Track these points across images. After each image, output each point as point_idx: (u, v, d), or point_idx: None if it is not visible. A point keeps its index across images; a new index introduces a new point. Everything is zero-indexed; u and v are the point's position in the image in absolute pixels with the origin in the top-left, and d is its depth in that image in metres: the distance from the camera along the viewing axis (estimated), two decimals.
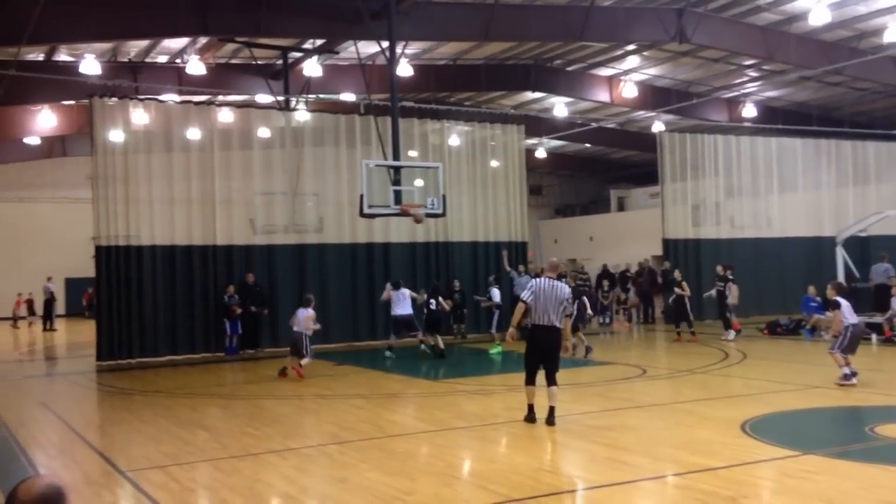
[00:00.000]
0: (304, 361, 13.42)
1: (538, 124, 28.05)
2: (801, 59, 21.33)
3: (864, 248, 22.39)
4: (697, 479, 6.88)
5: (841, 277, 18.91)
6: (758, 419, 9.25)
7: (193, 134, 18.20)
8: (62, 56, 20.74)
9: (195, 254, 17.72)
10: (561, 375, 9.43)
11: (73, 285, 32.71)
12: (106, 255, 16.89)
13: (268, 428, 9.68)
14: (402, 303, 16.16)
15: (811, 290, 18.16)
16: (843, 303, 11.60)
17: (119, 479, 7.55)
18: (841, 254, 19.92)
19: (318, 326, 13.79)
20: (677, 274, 19.23)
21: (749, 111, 26.67)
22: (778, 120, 26.12)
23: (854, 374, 11.27)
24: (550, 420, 9.05)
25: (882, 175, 25.76)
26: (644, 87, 25.60)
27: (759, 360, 14.84)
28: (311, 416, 10.56)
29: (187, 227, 17.74)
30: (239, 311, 17.48)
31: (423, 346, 16.46)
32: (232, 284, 17.74)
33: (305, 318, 13.49)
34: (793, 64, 21.82)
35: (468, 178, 21.15)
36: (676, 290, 18.47)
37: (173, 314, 17.39)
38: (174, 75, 21.52)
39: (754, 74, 25.08)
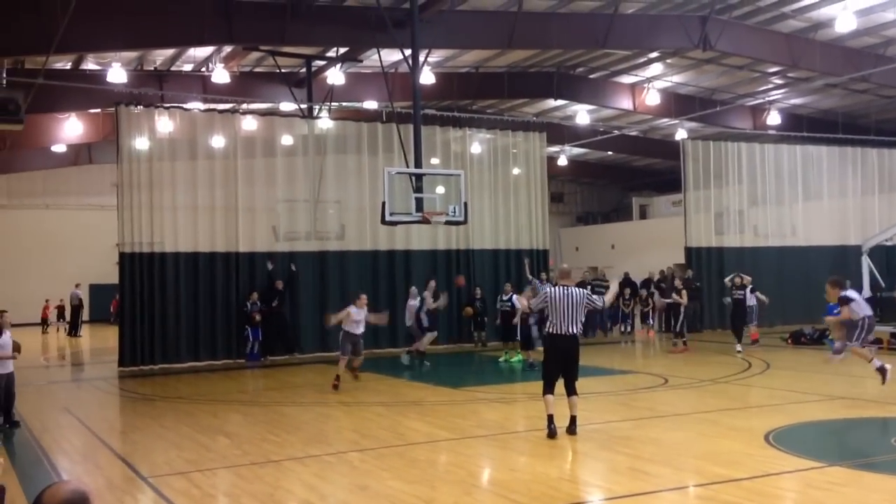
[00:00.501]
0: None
1: (560, 132, 27.98)
2: (827, 67, 21.12)
3: (890, 257, 22.11)
4: (720, 490, 6.81)
5: (867, 287, 18.69)
6: (782, 430, 9.15)
7: (217, 142, 18.37)
8: (89, 65, 21.02)
9: (218, 260, 17.86)
10: (582, 384, 9.38)
11: (97, 291, 33.06)
12: (130, 262, 17.08)
13: (288, 435, 9.71)
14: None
15: None
16: (854, 296, 11.75)
17: (141, 484, 7.61)
18: (867, 263, 19.65)
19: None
20: (677, 283, 19.00)
21: (773, 119, 26.42)
22: (803, 127, 25.85)
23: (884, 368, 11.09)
24: (572, 429, 9.01)
25: None
26: (667, 94, 25.46)
27: (783, 369, 14.68)
28: (331, 423, 10.59)
29: (210, 234, 17.89)
30: (258, 318, 17.53)
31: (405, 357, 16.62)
32: (255, 291, 17.82)
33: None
34: (818, 71, 21.61)
35: (490, 186, 21.15)
36: (674, 296, 18.27)
37: (195, 321, 17.53)
38: (199, 84, 21.72)
39: (779, 82, 24.86)
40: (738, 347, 17.03)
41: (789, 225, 23.99)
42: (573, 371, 9.16)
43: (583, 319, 9.19)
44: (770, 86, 25.30)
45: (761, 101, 26.30)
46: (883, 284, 19.96)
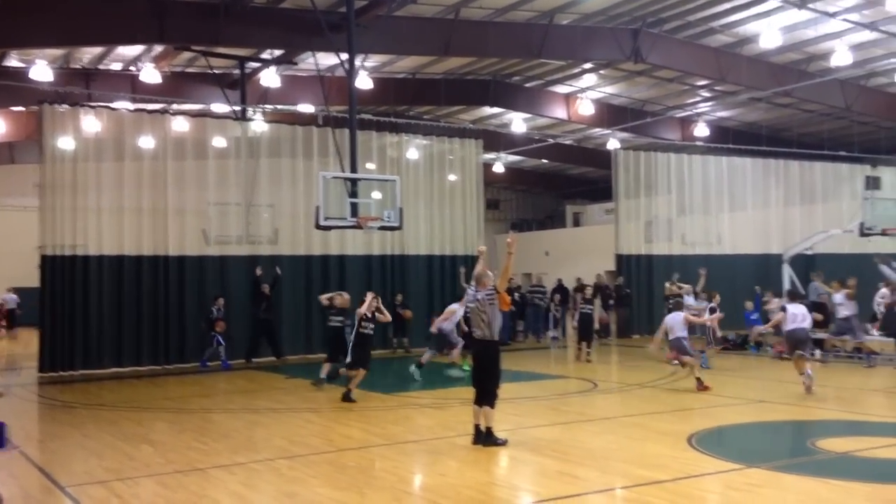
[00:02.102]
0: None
1: (496, 139, 28.23)
2: (752, 81, 21.85)
3: (809, 266, 22.94)
4: (645, 491, 6.96)
5: (812, 293, 19.36)
6: (704, 433, 9.41)
7: (146, 143, 17.94)
8: (12, 61, 20.30)
9: (145, 264, 17.43)
10: (513, 389, 9.46)
11: (23, 295, 31.74)
12: (51, 265, 16.53)
13: (216, 442, 9.52)
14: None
15: (748, 304, 18.48)
16: (789, 310, 12.71)
17: (59, 494, 7.36)
18: (787, 271, 20.36)
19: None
20: (588, 291, 19.04)
21: (701, 130, 27.19)
22: (729, 140, 26.65)
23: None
24: (487, 442, 8.78)
25: (828, 195, 26.52)
26: (600, 104, 25.95)
27: (708, 374, 15.05)
28: (261, 430, 10.42)
29: (137, 236, 17.45)
30: (223, 325, 17.16)
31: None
32: (222, 297, 17.46)
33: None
34: (744, 85, 22.34)
35: (425, 192, 21.20)
36: (586, 307, 17.92)
37: (119, 325, 17.05)
38: (128, 83, 21.18)
39: (707, 95, 25.61)
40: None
41: (715, 234, 24.71)
42: (485, 381, 8.89)
43: (498, 324, 8.98)
44: (698, 98, 26.04)
45: (690, 113, 27.04)
46: (802, 292, 20.67)
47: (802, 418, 10.77)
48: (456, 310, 14.69)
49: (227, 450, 9.07)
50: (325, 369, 13.62)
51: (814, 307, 18.02)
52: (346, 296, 14.11)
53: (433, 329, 15.28)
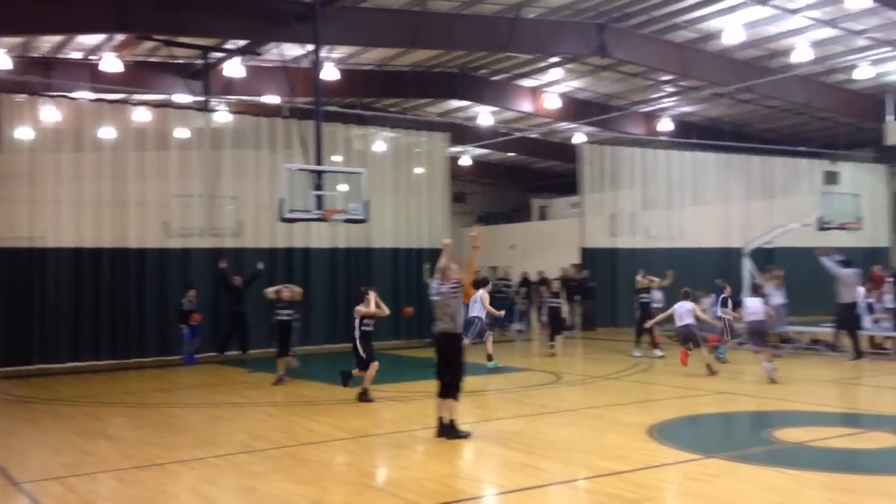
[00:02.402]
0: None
1: (463, 132, 28.22)
2: (715, 77, 22.12)
3: (769, 260, 23.31)
4: (605, 482, 7.03)
5: (747, 287, 19.66)
6: (664, 424, 9.52)
7: (107, 133, 17.62)
8: None
9: (104, 257, 17.15)
10: (477, 382, 9.48)
11: None
12: (8, 257, 16.17)
13: (175, 437, 9.42)
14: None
15: (705, 301, 18.65)
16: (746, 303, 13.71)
17: (13, 491, 7.21)
18: (748, 265, 20.67)
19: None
20: (555, 284, 18.98)
21: (665, 125, 27.46)
22: (692, 135, 26.98)
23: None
24: (450, 434, 8.80)
25: (788, 189, 26.99)
26: (566, 99, 26.06)
27: (669, 366, 15.27)
28: (221, 424, 10.32)
29: (96, 229, 17.15)
30: (199, 317, 16.96)
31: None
32: (193, 289, 17.23)
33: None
34: (707, 81, 22.61)
35: (392, 185, 21.12)
36: (554, 300, 17.86)
37: (77, 319, 16.77)
38: (88, 72, 20.73)
39: (671, 90, 25.84)
40: (637, 353, 16.56)
41: (678, 227, 25.00)
42: (449, 373, 8.91)
43: (462, 317, 8.98)
44: (663, 94, 26.27)
45: (654, 108, 27.28)
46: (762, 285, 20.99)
47: (760, 409, 10.96)
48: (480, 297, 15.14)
49: (186, 445, 8.97)
50: (281, 366, 13.48)
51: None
52: (295, 288, 13.88)
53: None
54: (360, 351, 11.58)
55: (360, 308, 11.66)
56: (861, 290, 16.33)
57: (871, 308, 16.42)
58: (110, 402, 12.37)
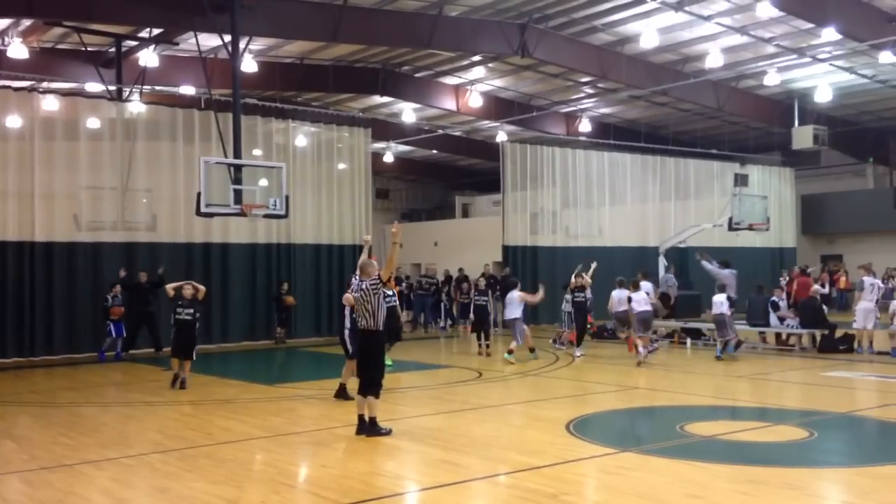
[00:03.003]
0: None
1: (386, 128, 28.13)
2: (632, 79, 22.67)
3: (683, 258, 24.13)
4: (523, 477, 7.11)
5: (662, 285, 20.35)
6: (581, 419, 9.72)
7: (12, 122, 16.85)
8: None
9: (9, 250, 16.42)
10: (398, 379, 9.47)
11: None
12: None
13: (85, 437, 9.08)
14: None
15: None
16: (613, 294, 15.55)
17: None
18: (662, 263, 21.33)
19: None
20: (482, 282, 18.88)
21: (585, 126, 28.00)
22: (610, 136, 27.58)
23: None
24: (371, 432, 8.77)
25: (700, 191, 27.95)
26: (489, 97, 26.28)
27: (586, 362, 15.61)
28: (133, 423, 10.00)
29: (1, 220, 16.42)
30: (120, 311, 16.39)
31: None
32: (118, 284, 16.59)
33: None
34: (624, 83, 23.14)
35: (313, 180, 20.88)
36: (481, 298, 17.30)
37: None
38: None
39: (590, 91, 26.35)
40: (578, 352, 16.22)
41: (597, 226, 25.58)
42: (367, 369, 8.91)
43: (382, 314, 8.93)
44: (582, 95, 26.77)
45: (574, 108, 27.77)
46: (676, 283, 21.71)
47: (672, 404, 11.29)
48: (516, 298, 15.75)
49: (96, 445, 8.66)
50: (175, 366, 12.52)
51: (662, 298, 19.28)
52: (201, 287, 12.76)
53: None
54: (349, 344, 10.90)
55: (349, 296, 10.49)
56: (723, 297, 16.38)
57: (776, 306, 17.11)
58: (16, 401, 11.83)
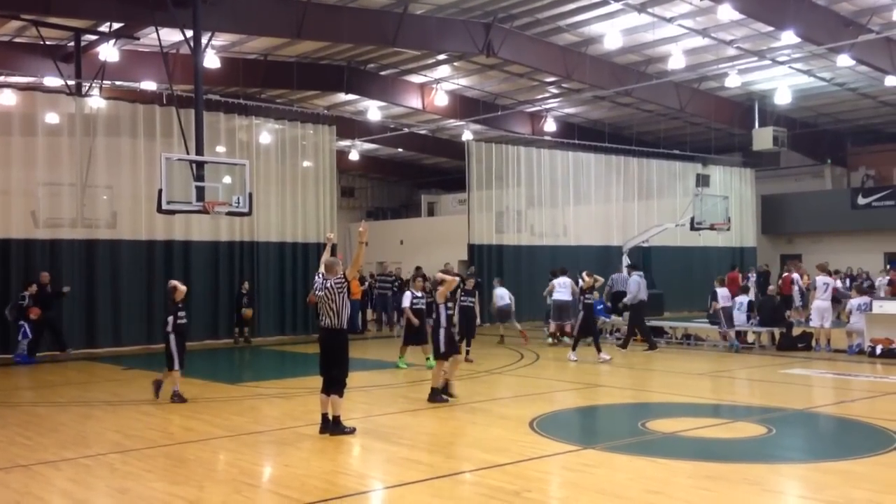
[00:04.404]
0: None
1: (351, 126, 28.03)
2: (596, 80, 22.86)
3: (646, 257, 24.40)
4: (486, 475, 7.14)
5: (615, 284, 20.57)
6: (545, 416, 9.77)
7: None
8: None
9: None
10: (363, 378, 9.42)
11: None
12: None
13: (42, 437, 8.90)
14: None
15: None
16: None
17: None
18: (626, 262, 21.54)
19: None
20: (469, 282, 18.28)
21: (549, 126, 28.17)
22: (575, 135, 27.80)
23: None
24: (334, 431, 8.75)
25: (663, 191, 28.30)
26: (454, 96, 26.31)
27: (551, 360, 15.70)
28: (92, 423, 9.82)
29: None
30: (38, 312, 15.70)
31: None
32: (34, 283, 16.04)
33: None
34: (588, 83, 23.33)
35: (277, 177, 20.72)
36: (467, 299, 15.58)
37: None
38: None
39: (555, 91, 26.53)
40: (573, 356, 15.32)
41: (562, 225, 25.78)
42: (335, 367, 8.87)
43: (347, 312, 8.90)
44: (547, 94, 26.94)
45: (539, 108, 27.94)
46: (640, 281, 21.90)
47: (634, 401, 11.42)
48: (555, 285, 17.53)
49: (54, 445, 8.50)
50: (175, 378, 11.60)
51: (615, 296, 19.55)
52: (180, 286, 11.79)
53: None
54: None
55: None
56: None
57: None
58: None
